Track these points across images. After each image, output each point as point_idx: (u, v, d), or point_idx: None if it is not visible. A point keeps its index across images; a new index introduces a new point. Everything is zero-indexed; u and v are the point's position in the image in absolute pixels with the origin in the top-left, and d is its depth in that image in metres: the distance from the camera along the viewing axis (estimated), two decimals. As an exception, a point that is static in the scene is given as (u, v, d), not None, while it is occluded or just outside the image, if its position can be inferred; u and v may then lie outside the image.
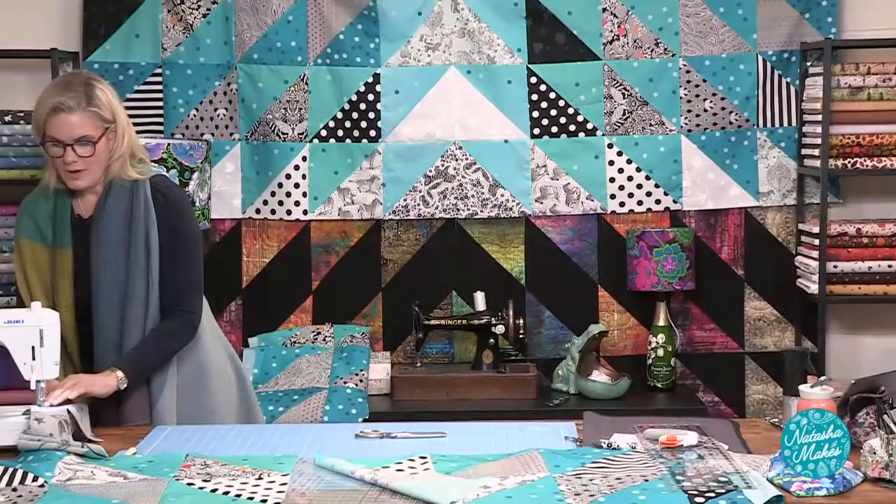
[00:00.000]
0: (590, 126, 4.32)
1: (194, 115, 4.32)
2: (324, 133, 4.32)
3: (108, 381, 2.78)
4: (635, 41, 4.30)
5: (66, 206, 2.91)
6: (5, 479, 2.25)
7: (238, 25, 4.28)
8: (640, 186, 4.33)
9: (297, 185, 4.33)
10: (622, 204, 4.34)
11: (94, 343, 2.87)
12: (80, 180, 2.85)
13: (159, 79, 4.30)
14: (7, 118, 4.03)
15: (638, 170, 4.33)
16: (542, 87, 4.31)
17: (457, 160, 4.32)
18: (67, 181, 2.86)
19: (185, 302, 2.93)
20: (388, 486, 2.18)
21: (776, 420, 2.74)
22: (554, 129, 4.32)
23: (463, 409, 3.90)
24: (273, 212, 4.35)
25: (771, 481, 2.20)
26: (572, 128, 4.32)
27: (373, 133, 4.31)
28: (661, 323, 4.25)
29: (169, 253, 2.90)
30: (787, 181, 4.34)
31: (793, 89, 4.30)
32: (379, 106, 4.30)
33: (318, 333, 4.31)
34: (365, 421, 3.86)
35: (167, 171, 3.90)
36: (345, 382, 4.09)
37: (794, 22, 4.27)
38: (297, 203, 4.34)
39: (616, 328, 4.37)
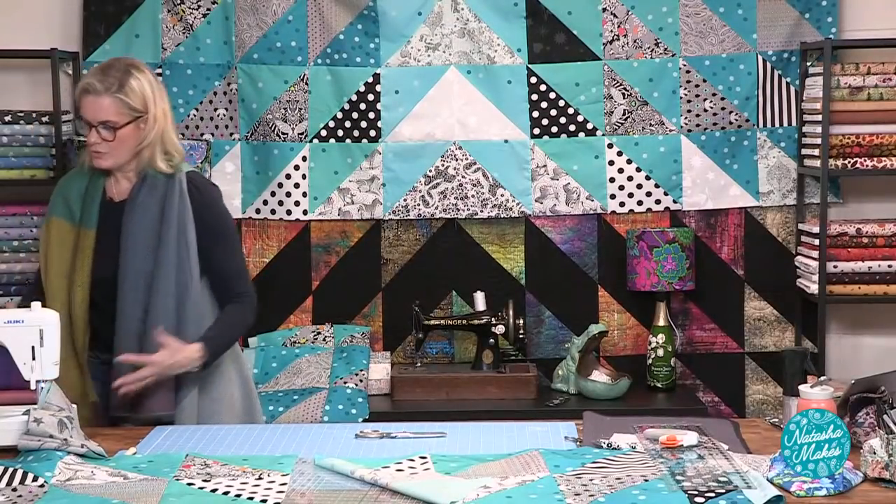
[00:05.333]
0: (590, 126, 4.32)
1: (194, 115, 4.32)
2: (324, 133, 4.32)
3: (191, 357, 2.83)
4: (635, 41, 4.30)
5: (98, 187, 2.96)
6: (5, 479, 2.25)
7: (238, 25, 4.28)
8: (640, 186, 4.34)
9: (297, 185, 4.33)
10: (622, 204, 4.34)
11: (116, 329, 2.88)
12: (102, 160, 2.91)
13: (159, 79, 4.30)
14: (7, 118, 4.04)
15: (638, 170, 4.33)
16: (542, 87, 4.31)
17: (457, 160, 4.32)
18: (93, 160, 2.92)
19: (242, 287, 3.00)
20: (388, 486, 2.18)
21: (776, 420, 2.75)
22: (554, 129, 4.32)
23: (463, 409, 3.90)
24: (273, 212, 4.35)
25: (771, 481, 2.20)
26: (572, 128, 4.32)
27: (373, 133, 4.31)
28: (661, 323, 4.25)
29: (216, 246, 2.95)
30: (787, 181, 4.34)
31: (793, 89, 4.30)
32: (379, 106, 4.30)
33: (318, 333, 4.31)
34: (365, 421, 3.86)
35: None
36: (345, 382, 4.09)
37: (794, 22, 4.28)
38: (297, 203, 4.34)
39: (616, 328, 4.37)
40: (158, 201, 2.91)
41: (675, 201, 4.34)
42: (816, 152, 4.13)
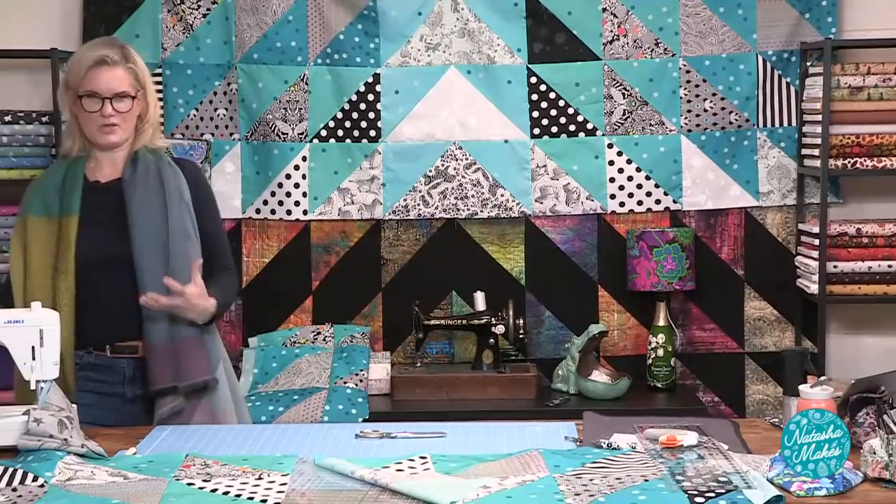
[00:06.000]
0: (590, 126, 4.32)
1: (194, 115, 4.32)
2: (324, 133, 4.32)
3: (209, 308, 2.87)
4: (635, 41, 4.30)
5: (77, 174, 2.94)
6: (5, 479, 2.25)
7: (238, 25, 4.28)
8: (640, 186, 4.34)
9: (297, 185, 4.33)
10: (622, 204, 4.34)
11: (143, 305, 2.85)
12: (114, 135, 2.90)
13: (159, 79, 4.30)
14: (7, 118, 4.04)
15: (638, 170, 4.33)
16: (542, 87, 4.31)
17: (457, 160, 4.32)
18: (99, 137, 2.90)
19: (229, 259, 3.05)
20: (388, 486, 2.18)
21: (776, 420, 2.74)
22: (554, 129, 4.32)
23: (463, 409, 3.90)
24: (273, 212, 4.35)
25: (771, 481, 2.20)
26: (572, 128, 4.32)
27: (373, 133, 4.31)
28: (661, 323, 4.25)
29: (207, 216, 2.99)
30: (787, 181, 4.34)
31: (793, 89, 4.30)
32: (379, 106, 4.30)
33: (318, 333, 4.31)
34: (365, 421, 3.86)
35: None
36: (345, 382, 4.09)
37: (794, 22, 4.28)
38: (297, 203, 4.34)
39: (616, 328, 4.37)
40: (156, 175, 2.93)
41: (675, 201, 4.35)
42: (816, 152, 4.13)
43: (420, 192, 4.33)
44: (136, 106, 2.92)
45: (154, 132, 2.98)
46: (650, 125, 4.32)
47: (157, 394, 2.87)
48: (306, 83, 4.30)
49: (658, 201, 4.34)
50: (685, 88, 4.31)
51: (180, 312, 2.85)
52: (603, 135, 4.32)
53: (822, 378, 2.58)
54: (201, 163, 4.18)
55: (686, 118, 4.31)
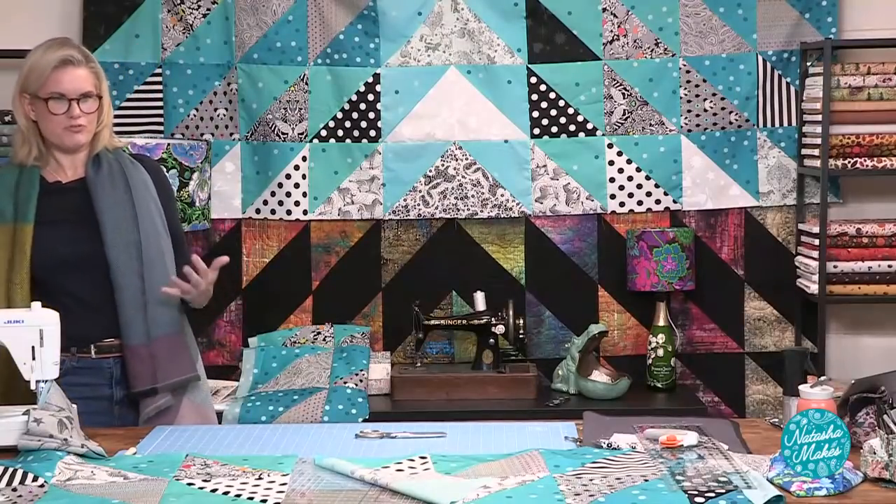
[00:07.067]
0: (590, 126, 4.32)
1: (194, 115, 4.32)
2: (324, 133, 4.32)
3: (210, 290, 2.93)
4: (635, 41, 4.30)
5: (32, 178, 2.87)
6: (5, 479, 2.25)
7: (238, 25, 4.28)
8: (640, 186, 4.34)
9: (297, 185, 4.33)
10: (622, 204, 4.34)
11: (118, 303, 2.84)
12: (81, 135, 2.85)
13: (159, 79, 4.30)
14: (7, 118, 4.04)
15: (638, 170, 4.33)
16: (542, 87, 4.31)
17: (457, 160, 4.32)
18: (66, 138, 2.85)
19: (188, 256, 2.98)
20: (388, 486, 2.18)
21: (776, 420, 2.75)
22: (554, 129, 4.32)
23: (463, 409, 3.90)
24: (273, 212, 4.35)
25: (771, 481, 2.20)
26: (572, 128, 4.32)
27: (373, 133, 4.31)
28: (661, 323, 4.25)
29: (170, 211, 2.99)
30: (787, 181, 4.34)
31: (793, 89, 4.30)
32: (379, 106, 4.30)
33: (318, 333, 4.31)
34: (365, 421, 3.86)
35: (167, 172, 3.91)
36: (345, 382, 4.09)
37: (794, 22, 4.28)
38: (297, 203, 4.34)
39: (616, 328, 4.37)
40: (120, 173, 2.90)
41: (675, 201, 4.34)
42: (816, 152, 4.13)
43: (420, 192, 4.33)
44: (99, 105, 2.88)
45: (111, 133, 2.95)
46: (650, 125, 4.32)
47: (140, 395, 2.87)
48: (306, 83, 4.30)
49: (658, 201, 4.34)
50: (685, 88, 4.31)
51: (195, 297, 2.88)
52: (603, 135, 4.32)
53: (822, 378, 2.58)
54: (201, 163, 4.18)
55: (686, 118, 4.31)
